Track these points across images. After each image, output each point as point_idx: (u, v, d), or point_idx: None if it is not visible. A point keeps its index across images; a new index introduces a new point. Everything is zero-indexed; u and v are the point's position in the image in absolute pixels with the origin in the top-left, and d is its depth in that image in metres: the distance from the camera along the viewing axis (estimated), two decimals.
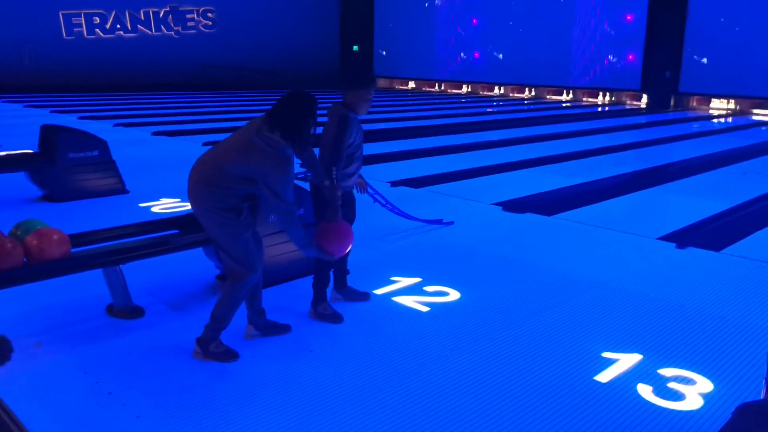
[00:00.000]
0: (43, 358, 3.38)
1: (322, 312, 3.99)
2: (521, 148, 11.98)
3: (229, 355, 3.46)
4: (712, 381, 3.32)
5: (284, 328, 3.80)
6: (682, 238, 6.07)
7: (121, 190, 7.16)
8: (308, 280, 4.50)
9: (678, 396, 3.18)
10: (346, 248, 3.67)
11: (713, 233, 6.43)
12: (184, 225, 4.21)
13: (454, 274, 4.85)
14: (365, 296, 4.32)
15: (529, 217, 6.77)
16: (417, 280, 4.71)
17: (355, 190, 4.30)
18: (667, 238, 6.05)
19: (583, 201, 7.58)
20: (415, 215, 6.26)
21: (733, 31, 20.01)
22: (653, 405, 3.08)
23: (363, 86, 3.83)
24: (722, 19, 20.16)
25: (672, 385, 3.27)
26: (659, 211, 7.40)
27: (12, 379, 3.15)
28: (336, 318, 3.97)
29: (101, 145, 7.08)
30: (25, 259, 3.39)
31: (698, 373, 3.40)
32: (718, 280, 4.94)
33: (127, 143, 10.63)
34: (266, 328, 3.76)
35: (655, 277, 4.94)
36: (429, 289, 4.55)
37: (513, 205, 7.19)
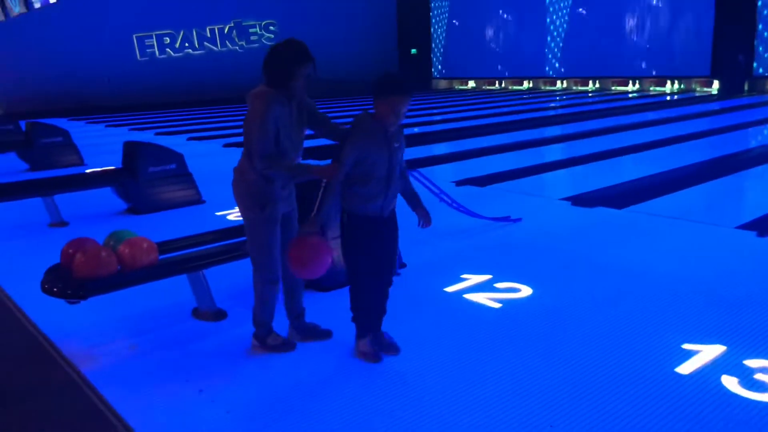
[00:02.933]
0: (139, 359, 3.61)
1: (363, 349, 3.51)
2: (587, 142, 11.79)
3: (287, 346, 3.64)
4: None
5: (325, 334, 3.79)
6: (763, 225, 5.87)
7: (198, 200, 7.48)
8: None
9: (766, 387, 3.09)
10: (318, 270, 3.21)
11: None
12: None
13: (524, 271, 4.86)
14: (394, 347, 3.61)
15: (600, 210, 6.68)
16: (487, 277, 4.74)
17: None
18: (746, 226, 5.87)
19: (655, 192, 7.42)
20: (482, 213, 6.28)
21: None
22: (740, 397, 3.01)
23: (392, 92, 3.21)
24: None
25: (759, 376, 3.18)
26: (737, 200, 7.17)
27: (111, 378, 3.38)
28: (375, 357, 3.48)
29: (178, 158, 7.42)
30: (119, 267, 3.63)
31: None
32: None
33: (201, 155, 11.04)
34: (305, 331, 3.79)
35: (735, 267, 4.81)
36: (500, 285, 4.57)
37: (582, 200, 7.11)
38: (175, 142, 12.88)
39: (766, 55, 20.16)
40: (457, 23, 28.92)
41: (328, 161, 3.35)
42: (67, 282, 3.49)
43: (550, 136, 12.32)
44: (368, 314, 3.50)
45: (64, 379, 3.41)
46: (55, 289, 3.48)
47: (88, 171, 8.09)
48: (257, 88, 3.44)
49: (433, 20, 29.74)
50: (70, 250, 3.61)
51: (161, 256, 3.94)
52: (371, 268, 3.39)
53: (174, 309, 4.31)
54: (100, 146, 13.05)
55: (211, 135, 13.79)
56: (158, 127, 16.55)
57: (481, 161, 10.01)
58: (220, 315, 4.13)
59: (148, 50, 23.27)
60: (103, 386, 3.27)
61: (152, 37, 23.29)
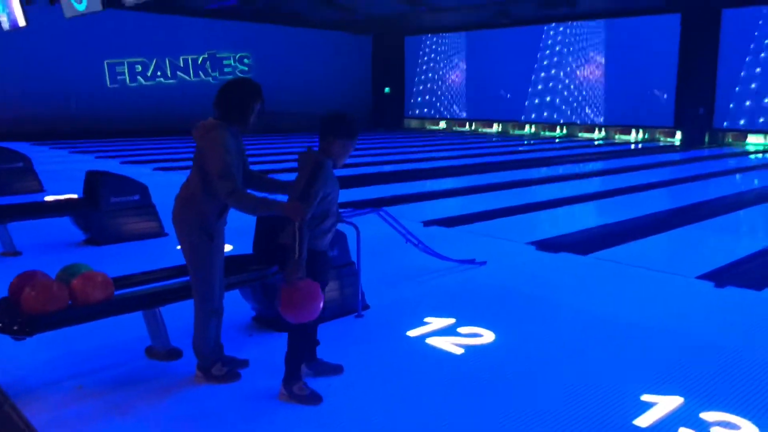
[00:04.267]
0: (85, 401, 3.46)
1: (299, 393, 3.41)
2: (554, 187, 11.95)
3: (232, 377, 3.65)
4: (758, 426, 3.24)
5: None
6: (721, 277, 5.96)
7: (160, 233, 7.34)
8: (337, 325, 4.55)
9: None
10: (313, 313, 3.21)
11: (753, 272, 6.30)
12: None
13: (488, 315, 4.84)
14: (337, 369, 3.78)
15: (564, 256, 6.72)
16: (451, 321, 4.70)
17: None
18: (705, 277, 5.96)
19: (619, 240, 7.51)
20: (448, 255, 6.27)
21: (766, 65, 19.83)
22: None
23: (350, 136, 3.42)
24: (754, 54, 20.01)
25: (715, 430, 3.19)
26: (697, 250, 7.29)
27: (52, 421, 3.22)
28: (314, 399, 3.41)
29: (142, 189, 7.29)
30: (70, 302, 3.50)
31: (743, 417, 3.32)
32: (759, 320, 4.83)
33: (166, 186, 10.85)
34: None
35: (694, 317, 4.85)
36: (463, 330, 4.53)
37: (547, 245, 7.15)
38: (141, 172, 12.70)
39: (725, 111, 20.83)
40: (430, 64, 29.38)
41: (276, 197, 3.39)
42: (14, 316, 3.35)
43: (518, 180, 12.46)
44: (304, 351, 3.54)
45: (2, 418, 3.25)
46: (0, 324, 3.34)
47: (46, 198, 7.89)
48: (207, 121, 3.50)
49: (407, 60, 30.17)
50: (19, 283, 3.48)
51: (117, 292, 3.82)
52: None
53: (127, 346, 4.17)
54: (63, 173, 12.80)
55: (177, 166, 13.64)
56: (124, 155, 16.32)
57: (449, 202, 10.06)
58: (173, 354, 4.00)
59: (119, 77, 23.08)
60: (42, 429, 3.11)
61: (124, 64, 23.14)
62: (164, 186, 10.87)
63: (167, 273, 4.41)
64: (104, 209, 6.89)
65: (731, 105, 20.65)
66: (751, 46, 20.10)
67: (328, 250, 3.59)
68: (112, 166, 13.85)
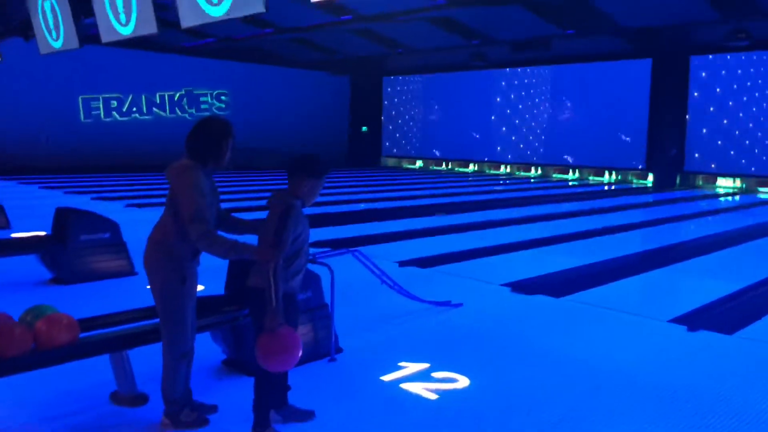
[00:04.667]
0: None
1: None
2: (529, 228, 12.02)
3: (202, 422, 3.55)
4: None
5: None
6: (694, 320, 5.99)
7: (130, 272, 7.20)
8: (309, 369, 4.46)
9: None
10: (294, 361, 3.16)
11: (725, 315, 6.35)
12: None
13: (463, 359, 4.78)
14: (308, 415, 3.69)
15: (539, 299, 6.71)
16: (425, 365, 4.64)
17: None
18: (678, 320, 5.98)
19: (593, 282, 7.54)
20: (423, 296, 6.22)
21: (736, 110, 20.38)
22: None
23: (321, 175, 3.44)
24: (720, 100, 20.58)
25: None
26: (670, 293, 7.34)
27: None
28: None
29: (113, 227, 7.17)
30: (33, 345, 3.39)
31: None
32: (731, 364, 4.84)
33: (138, 224, 10.70)
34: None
35: (667, 362, 4.85)
36: (438, 375, 4.47)
37: (522, 286, 7.15)
38: (112, 208, 12.55)
39: (695, 153, 21.29)
40: (407, 104, 29.72)
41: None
42: None
43: (494, 220, 12.52)
44: (273, 396, 3.49)
45: None
46: None
47: (13, 236, 7.71)
48: (181, 163, 3.46)
49: (385, 100, 30.49)
50: None
51: (83, 334, 3.71)
52: None
53: (91, 392, 4.03)
54: (31, 209, 12.58)
55: (150, 203, 13.49)
56: (96, 191, 16.10)
57: (425, 242, 10.04)
58: (139, 399, 3.88)
59: (93, 112, 22.91)
60: None
61: (99, 100, 23.01)
62: (136, 223, 10.72)
63: (136, 315, 4.31)
64: (73, 247, 6.75)
65: (701, 148, 21.12)
66: (718, 90, 20.67)
67: (297, 292, 3.54)
68: (83, 201, 13.66)
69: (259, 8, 5.00)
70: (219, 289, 4.67)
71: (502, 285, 7.21)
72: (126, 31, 7.50)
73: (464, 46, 22.86)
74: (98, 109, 22.97)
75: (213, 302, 4.37)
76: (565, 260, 8.75)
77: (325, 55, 25.82)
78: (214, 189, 3.55)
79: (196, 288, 3.57)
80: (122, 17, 7.58)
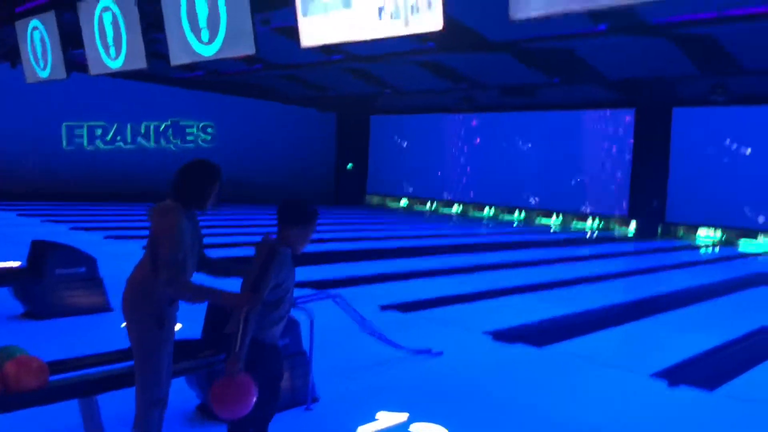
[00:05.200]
0: None
1: None
2: (512, 273, 12.00)
3: None
4: None
5: None
6: (675, 374, 5.96)
7: (105, 308, 7.04)
8: (284, 418, 4.33)
9: None
10: (245, 410, 3.06)
11: (705, 370, 6.33)
12: None
13: (442, 411, 4.69)
14: None
15: (520, 348, 6.65)
16: (404, 416, 4.54)
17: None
18: (659, 375, 5.94)
19: (575, 332, 7.50)
20: (404, 343, 6.13)
21: (716, 162, 20.70)
22: None
23: (309, 222, 3.37)
24: (705, 150, 20.91)
25: None
26: (651, 346, 7.30)
27: None
28: None
29: (90, 261, 7.03)
30: (1, 388, 3.27)
31: None
32: (711, 422, 4.79)
33: (116, 257, 10.53)
34: None
35: (648, 419, 4.79)
36: (416, 427, 4.37)
37: (503, 335, 7.09)
38: (91, 240, 12.36)
39: (677, 203, 21.52)
40: (394, 143, 29.90)
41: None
42: None
43: (477, 264, 12.49)
44: None
45: None
46: None
47: None
48: (164, 204, 3.45)
49: (372, 138, 30.65)
50: None
51: (53, 377, 3.59)
52: (278, 399, 3.38)
53: None
54: (6, 237, 12.35)
55: (130, 235, 13.29)
56: (75, 220, 15.84)
57: (407, 285, 9.97)
58: None
59: (76, 139, 22.76)
60: None
61: (83, 127, 22.89)
62: (113, 257, 10.54)
63: (108, 357, 4.18)
64: (47, 281, 6.59)
65: (682, 199, 21.35)
66: (699, 142, 21.01)
67: (277, 342, 3.42)
68: (60, 231, 13.46)
69: (250, 50, 5.03)
70: (197, 332, 4.57)
71: (484, 333, 7.14)
72: (115, 65, 7.52)
73: (452, 90, 23.11)
74: (82, 136, 22.82)
75: (189, 346, 4.27)
76: (548, 308, 8.71)
77: (314, 91, 25.96)
78: (197, 230, 3.51)
79: (173, 332, 3.49)
80: (112, 51, 7.61)
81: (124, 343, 4.72)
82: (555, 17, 4.80)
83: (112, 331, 6.21)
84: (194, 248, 3.46)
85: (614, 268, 13.52)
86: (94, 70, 7.66)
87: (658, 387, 5.63)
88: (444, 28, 5.55)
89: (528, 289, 10.20)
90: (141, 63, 6.99)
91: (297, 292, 4.37)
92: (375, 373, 5.56)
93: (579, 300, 9.59)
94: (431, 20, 5.45)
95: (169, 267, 3.23)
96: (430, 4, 5.36)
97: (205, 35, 6.09)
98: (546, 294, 10.00)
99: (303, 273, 9.98)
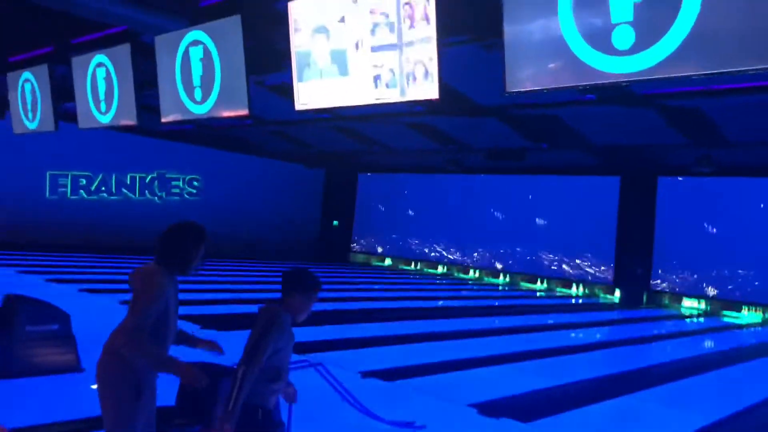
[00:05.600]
0: None
1: None
2: (497, 341, 11.79)
3: None
4: None
5: None
6: None
7: (76, 368, 6.74)
8: None
9: None
10: None
11: None
12: None
13: None
14: None
15: (505, 423, 6.43)
16: None
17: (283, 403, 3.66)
18: None
19: (562, 406, 7.29)
20: (386, 415, 5.89)
21: (701, 232, 20.83)
22: None
23: (312, 291, 3.46)
24: (691, 220, 21.06)
25: None
26: (639, 424, 7.09)
27: None
28: None
29: (63, 318, 6.77)
30: None
31: None
32: None
33: (91, 312, 10.25)
34: None
35: None
36: None
37: (488, 408, 6.85)
38: (66, 291, 12.04)
39: (661, 272, 21.54)
40: (381, 201, 29.94)
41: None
42: None
43: (461, 330, 12.28)
44: None
45: None
46: None
47: None
48: (147, 267, 3.39)
49: (359, 195, 30.68)
50: None
51: None
52: None
53: None
54: None
55: (107, 288, 12.96)
56: (51, 271, 15.47)
57: (389, 350, 9.73)
58: None
59: (60, 189, 22.54)
60: None
61: (67, 177, 22.70)
62: (86, 311, 10.25)
63: (74, 426, 3.95)
64: (17, 338, 6.32)
65: (668, 268, 21.38)
66: (684, 212, 21.18)
67: (273, 409, 3.37)
68: (35, 282, 13.11)
69: (243, 110, 4.97)
70: (171, 398, 4.32)
71: (468, 405, 6.90)
72: (105, 120, 7.45)
73: (440, 151, 23.29)
74: (65, 186, 22.62)
75: (164, 414, 4.03)
76: (534, 380, 8.49)
77: (302, 147, 26.07)
78: (176, 296, 3.46)
79: (152, 401, 3.35)
80: (103, 106, 7.59)
81: (94, 408, 4.49)
82: (547, 92, 4.84)
83: (83, 394, 5.93)
84: (176, 316, 3.39)
85: (601, 337, 13.36)
86: (83, 124, 7.60)
87: None
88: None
89: (514, 359, 9.97)
90: (131, 119, 6.94)
91: None
92: None
93: (566, 371, 9.39)
94: (428, 89, 5.50)
95: (132, 330, 3.16)
96: (427, 74, 5.41)
97: (198, 94, 6.07)
98: (532, 364, 9.79)
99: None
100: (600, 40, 4.36)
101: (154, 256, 3.40)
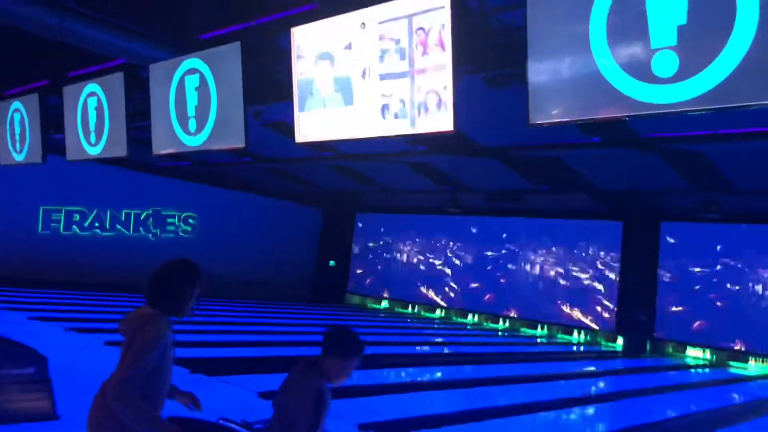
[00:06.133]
0: None
1: None
2: (499, 390, 11.27)
3: None
4: None
5: None
6: None
7: (51, 415, 6.22)
8: None
9: None
10: None
11: None
12: None
13: None
14: None
15: None
16: None
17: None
18: None
19: None
20: None
21: (706, 280, 20.41)
22: None
23: (355, 355, 3.27)
24: (695, 266, 20.66)
25: None
26: None
27: None
28: None
29: (40, 362, 6.27)
30: None
31: None
32: None
33: (75, 352, 9.74)
34: None
35: None
36: None
37: None
38: (50, 331, 11.51)
39: (666, 321, 21.03)
40: (378, 242, 29.51)
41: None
42: None
43: (461, 379, 11.76)
44: None
45: None
46: None
47: None
48: (143, 312, 3.07)
49: (356, 236, 30.26)
50: None
51: None
52: None
53: None
54: None
55: (94, 327, 12.40)
56: (36, 308, 14.86)
57: (389, 400, 9.21)
58: None
59: (53, 224, 22.08)
60: None
61: (61, 212, 22.27)
62: (72, 351, 9.74)
63: None
64: None
65: (672, 316, 20.89)
66: (689, 258, 20.80)
67: None
68: (17, 320, 12.57)
69: (239, 143, 4.61)
70: None
71: None
72: (94, 152, 7.10)
73: (439, 191, 23.05)
74: (59, 221, 22.17)
75: None
76: None
77: (300, 185, 25.80)
78: (173, 340, 3.15)
79: None
80: (93, 137, 7.22)
81: None
82: (572, 124, 4.47)
83: None
84: (172, 364, 3.11)
85: (607, 388, 12.83)
86: (71, 155, 7.24)
87: None
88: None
89: (519, 411, 9.47)
90: (121, 151, 6.58)
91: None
92: None
93: (572, 426, 8.88)
94: (441, 121, 5.12)
95: (125, 383, 2.83)
96: (440, 104, 5.04)
97: (192, 125, 5.72)
98: (541, 417, 9.26)
99: (276, 383, 9.28)
100: (639, 67, 3.97)
101: (146, 298, 3.10)
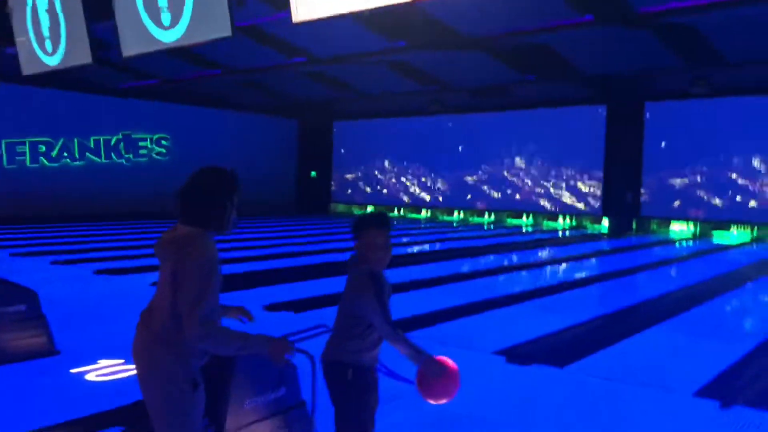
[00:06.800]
0: None
1: None
2: (498, 281, 11.26)
3: None
4: None
5: None
6: (724, 392, 5.23)
7: (50, 351, 5.94)
8: None
9: None
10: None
11: (756, 384, 5.62)
12: (133, 419, 3.13)
13: None
14: None
15: (537, 370, 5.84)
16: None
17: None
18: (704, 393, 5.20)
19: (593, 347, 6.73)
20: (406, 372, 5.23)
21: (689, 155, 20.44)
22: None
23: (369, 225, 3.07)
24: (679, 143, 20.64)
25: None
26: (680, 358, 6.54)
27: None
28: None
29: (30, 297, 5.94)
30: None
31: None
32: None
33: (65, 285, 9.40)
34: None
35: None
36: None
37: (516, 354, 6.27)
38: (36, 266, 11.12)
39: (649, 197, 21.16)
40: (359, 149, 29.04)
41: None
42: None
43: (455, 273, 11.69)
44: None
45: None
46: None
47: None
48: (181, 231, 2.71)
49: (336, 144, 29.73)
50: None
51: None
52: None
53: None
54: None
55: (80, 258, 12.04)
56: (17, 244, 14.42)
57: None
58: None
59: (18, 157, 21.17)
60: None
61: (25, 144, 21.32)
62: (62, 284, 9.41)
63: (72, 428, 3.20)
64: None
65: (656, 193, 21.02)
66: (672, 136, 20.73)
67: (374, 366, 3.33)
68: (0, 257, 12.16)
69: (225, 32, 4.05)
70: None
71: (494, 353, 6.30)
72: (53, 61, 6.35)
73: (421, 92, 22.38)
74: (24, 154, 21.26)
75: None
76: (553, 320, 7.92)
77: (274, 98, 24.94)
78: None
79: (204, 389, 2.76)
80: (48, 44, 6.35)
81: (77, 393, 3.77)
82: None
83: (61, 377, 5.21)
84: (219, 287, 2.76)
85: (598, 269, 12.94)
86: (27, 69, 6.50)
87: (708, 409, 4.86)
88: (417, 23, 4.72)
89: (524, 298, 9.44)
90: (85, 58, 5.89)
91: (285, 328, 3.53)
92: (383, 414, 4.63)
93: (579, 308, 8.87)
94: None
95: (199, 316, 2.55)
96: None
97: (166, 18, 5.00)
98: (545, 301, 9.23)
99: (278, 293, 9.08)
100: None
101: (181, 216, 2.73)
